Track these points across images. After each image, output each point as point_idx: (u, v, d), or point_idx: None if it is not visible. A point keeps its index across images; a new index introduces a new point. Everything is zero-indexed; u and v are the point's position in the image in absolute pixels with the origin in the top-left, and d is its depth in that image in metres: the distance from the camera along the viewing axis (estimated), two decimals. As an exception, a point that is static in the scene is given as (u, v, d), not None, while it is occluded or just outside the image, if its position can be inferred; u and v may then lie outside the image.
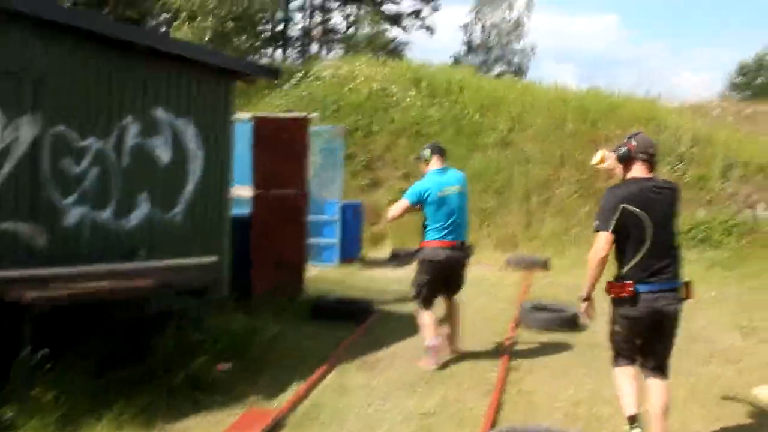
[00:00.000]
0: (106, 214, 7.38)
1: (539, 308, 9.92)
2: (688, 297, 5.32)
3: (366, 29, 47.58)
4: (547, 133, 20.00)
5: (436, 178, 7.86)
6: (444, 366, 7.85)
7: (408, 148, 19.93)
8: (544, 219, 18.13)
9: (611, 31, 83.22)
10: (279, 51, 47.65)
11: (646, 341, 5.38)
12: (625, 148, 5.39)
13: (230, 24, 22.98)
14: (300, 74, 22.45)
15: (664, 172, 18.25)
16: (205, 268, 8.26)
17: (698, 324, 10.20)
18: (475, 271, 14.01)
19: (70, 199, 7.04)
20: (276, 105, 20.82)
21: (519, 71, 47.46)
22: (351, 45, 41.54)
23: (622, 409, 5.56)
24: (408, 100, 21.22)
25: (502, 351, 8.40)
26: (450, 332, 8.42)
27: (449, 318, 8.46)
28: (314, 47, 50.71)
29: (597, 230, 5.29)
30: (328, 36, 51.03)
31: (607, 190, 5.44)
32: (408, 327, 8.88)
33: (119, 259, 7.38)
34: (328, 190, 14.86)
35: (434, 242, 7.77)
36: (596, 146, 19.55)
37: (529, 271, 13.97)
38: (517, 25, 51.14)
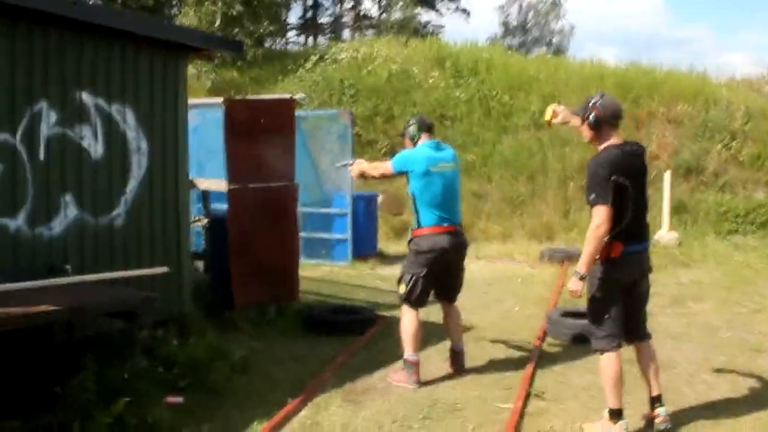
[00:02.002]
0: (15, 221, 5.94)
1: (572, 314, 8.23)
2: None
3: (398, 13, 46.17)
4: (583, 113, 18.26)
5: (430, 151, 6.63)
6: (447, 394, 6.35)
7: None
8: (583, 207, 16.38)
9: (654, 13, 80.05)
10: (302, 38, 46.51)
11: (635, 301, 5.45)
12: (593, 114, 5.23)
13: (238, 8, 21.48)
14: (315, 57, 20.97)
15: (716, 151, 16.54)
16: (151, 281, 6.80)
17: (761, 330, 8.52)
18: (504, 266, 12.57)
19: (-36, 204, 5.64)
20: (289, 90, 19.33)
21: (558, 52, 45.54)
22: (383, 30, 40.00)
23: (607, 400, 5.36)
24: (431, 81, 19.63)
25: (522, 373, 6.82)
26: (452, 346, 6.98)
27: (449, 328, 7.04)
28: (346, 34, 49.36)
29: (595, 204, 5.10)
30: (359, 21, 49.65)
31: (591, 162, 5.23)
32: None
33: (39, 276, 5.93)
34: (340, 179, 13.29)
35: (431, 228, 6.53)
36: (638, 126, 17.96)
37: (565, 265, 12.20)
38: (555, 4, 49.31)
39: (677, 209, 15.15)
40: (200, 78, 21.20)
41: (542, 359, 7.29)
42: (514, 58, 22.31)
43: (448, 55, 20.92)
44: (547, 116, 5.86)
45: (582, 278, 5.20)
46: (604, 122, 5.22)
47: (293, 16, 48.48)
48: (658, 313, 9.06)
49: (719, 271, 12.16)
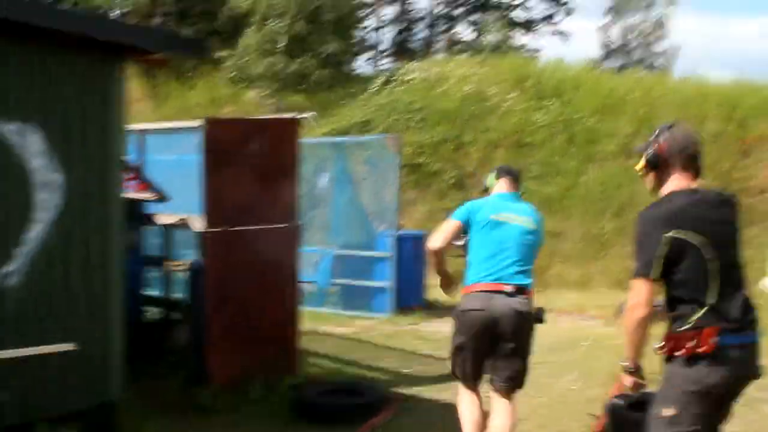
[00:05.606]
0: None
1: (640, 404, 6.08)
2: None
3: (492, 36, 44.53)
4: (682, 138, 15.97)
5: (497, 200, 5.36)
6: None
7: (507, 162, 16.36)
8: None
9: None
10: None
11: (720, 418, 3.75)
12: (653, 149, 3.82)
13: (301, 24, 19.92)
14: (380, 80, 19.27)
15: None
16: (65, 362, 5.11)
17: None
18: (572, 324, 10.45)
19: None
20: (351, 116, 17.72)
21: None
22: (476, 53, 38.32)
23: None
24: (508, 103, 17.65)
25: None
26: None
27: (492, 425, 5.14)
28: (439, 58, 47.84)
29: (634, 276, 3.66)
30: (454, 45, 48.02)
31: (641, 214, 3.77)
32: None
33: None
34: (383, 215, 11.51)
35: (473, 285, 5.07)
36: (745, 152, 15.61)
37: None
38: (659, 24, 46.60)
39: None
40: (259, 103, 19.82)
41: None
42: (604, 76, 20.10)
43: (529, 74, 18.91)
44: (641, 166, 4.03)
45: (631, 372, 3.80)
46: (668, 160, 3.77)
47: (386, 42, 47.17)
48: (761, 402, 6.87)
49: None
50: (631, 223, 12.85)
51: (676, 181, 3.78)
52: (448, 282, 5.39)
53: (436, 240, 5.23)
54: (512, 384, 5.15)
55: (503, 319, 4.94)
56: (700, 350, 3.54)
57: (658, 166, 3.81)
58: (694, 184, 3.78)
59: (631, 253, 3.76)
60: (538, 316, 5.12)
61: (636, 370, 3.80)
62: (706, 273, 3.59)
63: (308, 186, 11.42)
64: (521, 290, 5.01)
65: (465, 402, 5.20)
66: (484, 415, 5.18)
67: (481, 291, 5.00)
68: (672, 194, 3.74)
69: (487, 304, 4.94)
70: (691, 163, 3.79)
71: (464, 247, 5.34)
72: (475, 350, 5.08)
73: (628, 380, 3.83)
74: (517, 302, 4.98)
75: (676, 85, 18.78)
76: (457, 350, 5.14)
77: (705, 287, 3.59)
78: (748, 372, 3.67)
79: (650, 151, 3.83)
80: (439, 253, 5.27)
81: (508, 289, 4.97)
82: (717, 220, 3.69)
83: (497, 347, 5.03)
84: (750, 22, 75.48)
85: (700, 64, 72.07)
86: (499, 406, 5.13)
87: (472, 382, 5.21)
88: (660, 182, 3.83)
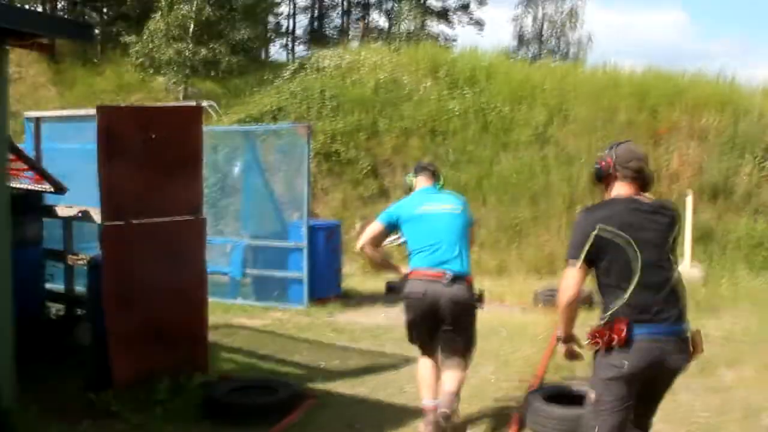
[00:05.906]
0: None
1: (558, 397, 6.02)
2: (696, 351, 3.98)
3: (407, 25, 44.44)
4: (594, 127, 16.09)
5: (420, 195, 5.97)
6: None
7: (422, 150, 16.32)
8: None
9: (678, 26, 77.01)
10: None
11: (645, 401, 4.12)
12: (600, 164, 4.31)
13: (208, 11, 19.30)
14: (293, 66, 18.94)
15: (746, 169, 14.43)
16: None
17: None
18: (490, 313, 10.24)
19: None
20: (263, 104, 17.35)
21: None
22: (391, 42, 38.21)
23: None
24: (422, 92, 17.53)
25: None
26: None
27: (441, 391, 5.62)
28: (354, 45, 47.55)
29: (566, 260, 4.15)
30: (368, 33, 47.81)
31: (580, 211, 4.32)
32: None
33: None
34: (296, 205, 11.22)
35: (414, 272, 5.63)
36: (657, 141, 15.81)
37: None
38: (571, 14, 47.22)
39: (701, 238, 12.99)
40: (169, 90, 19.26)
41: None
42: (518, 65, 20.16)
43: (443, 62, 18.82)
44: None
45: (564, 341, 4.33)
46: (612, 173, 4.26)
47: (300, 29, 46.70)
48: (679, 389, 6.80)
49: (755, 318, 9.93)
50: (545, 211, 12.95)
51: (619, 190, 4.22)
52: (391, 270, 6.11)
53: (360, 241, 5.84)
54: (455, 357, 5.62)
55: (442, 307, 5.43)
56: (613, 342, 3.92)
57: (604, 179, 4.29)
58: (635, 194, 4.18)
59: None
60: (475, 302, 5.60)
61: (570, 340, 4.28)
62: (626, 269, 3.98)
63: (220, 175, 11.11)
64: (459, 277, 5.46)
65: (421, 366, 5.75)
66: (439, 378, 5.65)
67: (421, 276, 5.48)
68: (611, 199, 4.23)
69: (427, 290, 5.44)
70: (634, 175, 4.19)
71: (401, 244, 5.98)
72: (422, 326, 5.62)
73: (562, 348, 4.33)
74: (454, 291, 5.43)
75: (588, 74, 18.95)
76: (409, 325, 5.71)
77: (624, 282, 3.98)
78: (666, 363, 3.95)
79: (597, 166, 4.30)
80: (368, 252, 5.86)
81: (447, 276, 5.41)
82: (647, 226, 4.06)
83: (440, 327, 5.54)
84: (657, 13, 77.41)
85: (611, 54, 73.32)
86: (447, 373, 5.58)
87: (427, 350, 5.74)
88: (606, 192, 4.30)
